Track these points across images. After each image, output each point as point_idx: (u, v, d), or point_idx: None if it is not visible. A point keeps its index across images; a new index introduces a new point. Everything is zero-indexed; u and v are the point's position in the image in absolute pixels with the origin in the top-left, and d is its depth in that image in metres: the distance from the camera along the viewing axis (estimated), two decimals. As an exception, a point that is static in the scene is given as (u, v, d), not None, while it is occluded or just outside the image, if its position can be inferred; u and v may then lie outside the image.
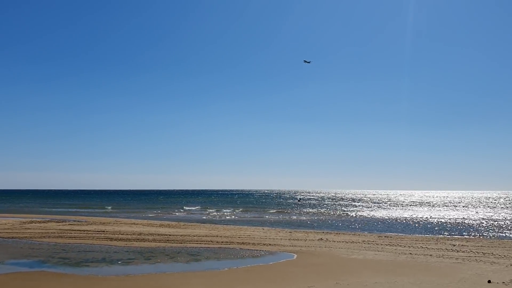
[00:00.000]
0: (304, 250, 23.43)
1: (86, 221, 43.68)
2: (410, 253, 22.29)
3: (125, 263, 19.47)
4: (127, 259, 20.40)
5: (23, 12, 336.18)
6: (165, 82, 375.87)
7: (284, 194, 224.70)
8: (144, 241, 26.85)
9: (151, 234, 30.65)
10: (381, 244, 26.12)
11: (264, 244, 25.41)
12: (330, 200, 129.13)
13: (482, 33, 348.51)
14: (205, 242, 26.35)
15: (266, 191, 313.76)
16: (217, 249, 23.65)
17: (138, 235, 30.34)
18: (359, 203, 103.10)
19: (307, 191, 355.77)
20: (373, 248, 24.43)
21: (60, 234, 30.71)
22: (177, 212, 68.06)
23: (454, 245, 26.14)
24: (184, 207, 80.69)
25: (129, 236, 29.27)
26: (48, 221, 42.90)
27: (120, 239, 27.67)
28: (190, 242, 26.57)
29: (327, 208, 79.56)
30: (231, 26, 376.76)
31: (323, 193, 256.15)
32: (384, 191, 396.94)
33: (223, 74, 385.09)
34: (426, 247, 24.98)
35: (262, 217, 56.86)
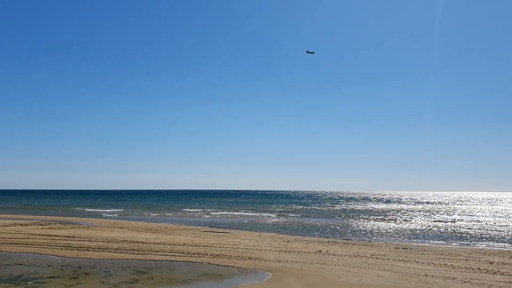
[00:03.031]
0: (287, 267, 18.18)
1: (76, 224, 39.93)
2: (426, 275, 16.64)
3: (37, 282, 14.87)
4: (48, 277, 15.80)
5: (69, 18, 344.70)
6: (169, 80, 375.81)
7: (316, 195, 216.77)
8: (103, 251, 22.31)
9: (122, 242, 26.11)
10: (393, 259, 20.49)
11: (243, 258, 20.31)
12: (357, 201, 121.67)
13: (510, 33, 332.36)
14: (172, 253, 21.52)
15: (294, 192, 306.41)
16: (178, 264, 18.76)
17: (107, 242, 25.89)
18: (383, 205, 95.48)
19: (340, 192, 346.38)
20: (379, 265, 18.89)
21: (21, 240, 26.63)
22: (189, 213, 63.85)
23: (491, 263, 20.22)
24: (207, 210, 76.32)
25: (93, 244, 24.82)
26: (32, 224, 39.32)
27: (79, 248, 23.26)
28: (156, 253, 21.81)
29: (347, 211, 72.99)
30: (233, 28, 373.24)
31: (353, 194, 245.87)
32: (411, 192, 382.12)
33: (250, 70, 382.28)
34: (452, 265, 19.19)
35: (268, 220, 51.51)
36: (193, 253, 21.66)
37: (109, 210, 73.15)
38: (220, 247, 24.23)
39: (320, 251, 23.17)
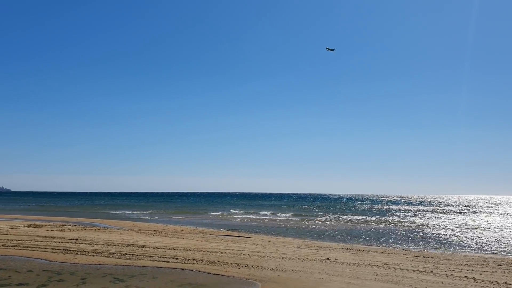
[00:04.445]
0: (282, 277, 16.31)
1: (92, 226, 39.45)
2: (440, 291, 14.38)
3: (-1, 292, 13.75)
4: (17, 284, 14.60)
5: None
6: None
7: (357, 198, 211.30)
8: (96, 255, 21.14)
9: (122, 245, 24.94)
10: (407, 270, 18.21)
11: (239, 266, 18.59)
12: (392, 204, 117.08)
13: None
14: (166, 259, 20.05)
15: (334, 195, 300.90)
16: (165, 271, 17.24)
17: (107, 245, 24.79)
18: (418, 207, 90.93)
19: (380, 195, 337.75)
20: (388, 276, 16.68)
21: (22, 242, 25.94)
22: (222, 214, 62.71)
23: (520, 275, 17.59)
24: (234, 212, 75.14)
25: (90, 248, 23.77)
26: (47, 225, 39.09)
27: (74, 251, 22.22)
28: (150, 258, 20.41)
29: (378, 215, 69.55)
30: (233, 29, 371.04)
31: (390, 197, 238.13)
32: (451, 195, 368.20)
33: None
34: (474, 278, 16.74)
35: (290, 223, 49.39)
36: (188, 259, 20.12)
37: (138, 212, 73.90)
38: (221, 252, 22.60)
39: (328, 258, 21.12)
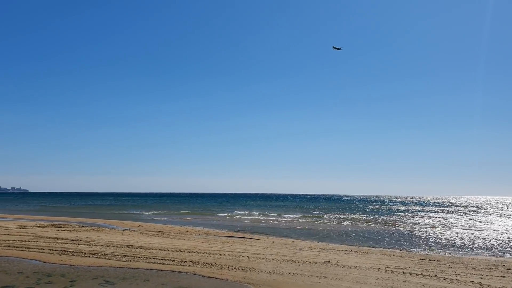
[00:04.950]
0: (278, 281, 15.71)
1: (96, 227, 39.28)
2: (441, 296, 13.64)
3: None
4: (3, 286, 14.28)
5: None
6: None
7: (372, 199, 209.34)
8: (92, 256, 20.75)
9: (121, 246, 24.57)
10: (410, 274, 17.45)
11: (235, 268, 18.03)
12: (401, 205, 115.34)
13: None
14: (162, 261, 19.59)
15: (352, 196, 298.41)
16: (158, 273, 16.76)
17: (105, 246, 24.46)
18: (431, 208, 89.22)
19: (397, 196, 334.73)
20: (389, 280, 15.95)
21: (22, 242, 25.72)
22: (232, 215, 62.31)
23: (530, 280, 16.73)
24: (247, 213, 74.61)
25: (89, 248, 23.43)
26: (51, 225, 39.01)
27: (71, 252, 21.90)
28: (147, 259, 19.97)
29: (392, 215, 68.33)
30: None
31: (405, 198, 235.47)
32: (467, 196, 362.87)
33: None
34: (480, 283, 15.95)
35: (300, 225, 48.64)
36: (185, 261, 19.63)
37: (148, 212, 74.18)
38: (220, 254, 22.07)
39: (329, 261, 20.44)
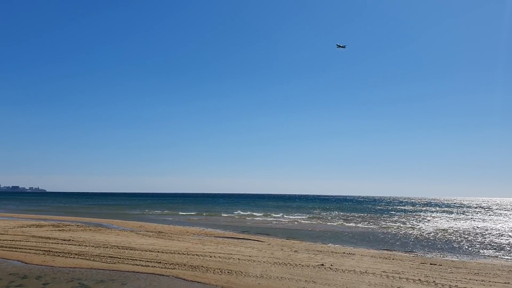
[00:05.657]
0: (263, 285, 14.75)
1: (95, 226, 38.75)
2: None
3: None
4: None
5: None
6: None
7: (384, 200, 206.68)
8: (77, 257, 20.00)
9: (111, 247, 23.83)
10: (406, 279, 16.33)
11: (221, 272, 17.10)
12: (410, 205, 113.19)
13: None
14: (147, 263, 18.74)
15: (366, 197, 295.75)
16: (138, 276, 15.91)
17: (95, 247, 23.76)
18: (442, 208, 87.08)
19: (409, 197, 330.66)
20: (383, 286, 14.89)
21: (13, 242, 25.14)
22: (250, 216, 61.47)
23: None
24: (260, 213, 73.77)
25: (76, 249, 22.73)
26: (49, 225, 38.58)
27: (58, 253, 21.21)
28: (132, 261, 19.15)
29: (401, 215, 66.71)
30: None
31: (418, 199, 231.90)
32: (483, 198, 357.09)
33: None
34: (481, 290, 14.78)
35: (306, 226, 47.55)
36: (171, 263, 18.77)
37: (156, 212, 74.23)
38: (210, 256, 21.18)
39: (323, 264, 19.41)
